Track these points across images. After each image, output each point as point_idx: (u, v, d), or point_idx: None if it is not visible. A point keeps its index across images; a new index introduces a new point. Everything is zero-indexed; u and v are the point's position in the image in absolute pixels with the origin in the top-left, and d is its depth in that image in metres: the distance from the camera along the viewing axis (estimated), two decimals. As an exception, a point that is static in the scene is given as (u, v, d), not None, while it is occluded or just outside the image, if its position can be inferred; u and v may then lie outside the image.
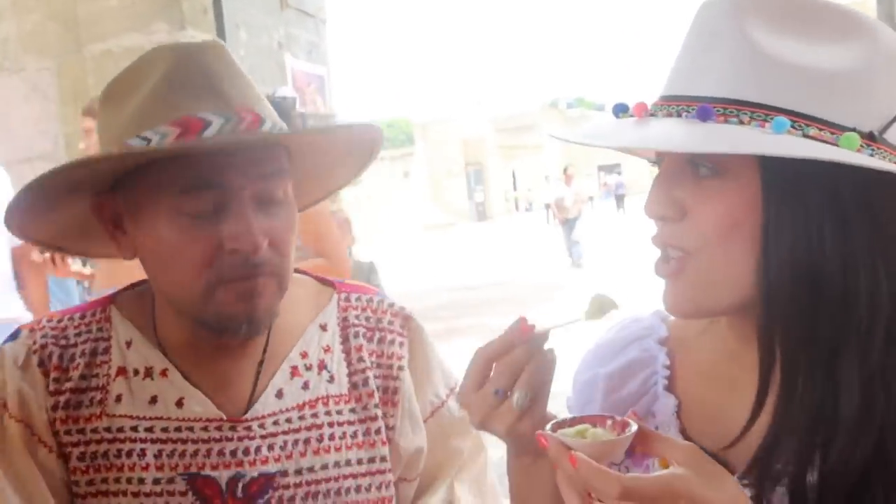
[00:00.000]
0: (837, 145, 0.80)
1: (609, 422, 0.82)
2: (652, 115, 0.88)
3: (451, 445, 1.24)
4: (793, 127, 0.79)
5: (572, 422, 0.83)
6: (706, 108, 0.82)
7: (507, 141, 46.16)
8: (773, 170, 0.81)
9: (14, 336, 1.16)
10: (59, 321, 1.17)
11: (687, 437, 0.94)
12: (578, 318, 0.89)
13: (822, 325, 0.81)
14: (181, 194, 1.02)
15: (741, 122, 0.81)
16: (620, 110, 0.94)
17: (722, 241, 0.84)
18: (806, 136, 0.80)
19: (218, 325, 1.07)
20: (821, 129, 0.80)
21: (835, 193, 0.81)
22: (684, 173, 0.86)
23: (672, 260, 0.88)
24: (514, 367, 0.84)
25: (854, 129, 0.81)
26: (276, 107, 1.16)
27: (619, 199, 38.00)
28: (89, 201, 1.10)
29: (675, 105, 0.86)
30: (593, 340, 1.10)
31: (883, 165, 0.79)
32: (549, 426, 0.82)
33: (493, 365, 0.86)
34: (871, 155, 0.80)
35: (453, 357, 1.27)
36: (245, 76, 1.11)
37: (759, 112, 0.81)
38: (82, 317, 1.17)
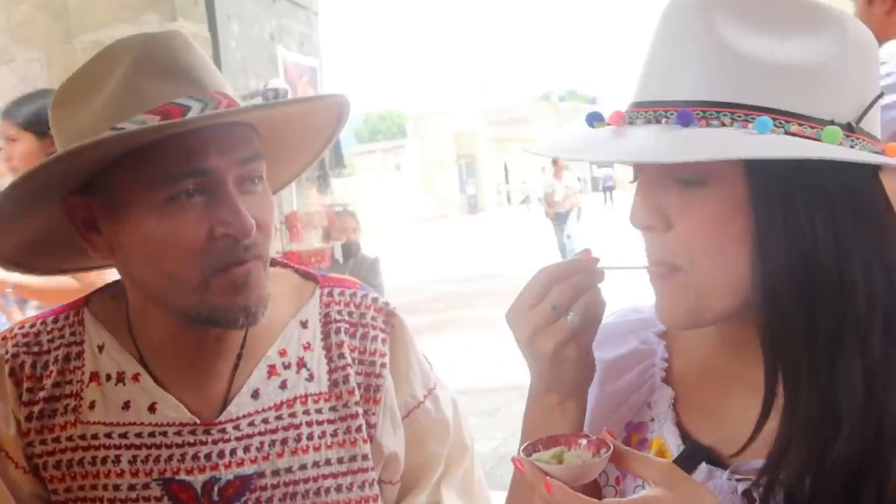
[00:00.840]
0: (820, 140, 0.80)
1: (583, 441, 0.82)
2: (630, 122, 0.87)
3: (430, 449, 1.22)
4: (775, 125, 0.79)
5: (547, 442, 0.83)
6: (686, 113, 0.80)
7: (499, 133, 46.21)
8: (760, 171, 0.80)
9: None
10: (32, 326, 1.16)
11: (683, 429, 0.94)
12: (643, 265, 0.90)
13: (821, 321, 0.80)
14: (167, 184, 1.00)
15: (722, 125, 0.80)
16: (595, 119, 0.92)
17: (712, 252, 0.84)
18: (788, 133, 0.79)
19: (213, 318, 1.06)
20: (801, 125, 0.80)
21: (822, 188, 0.80)
22: (667, 181, 0.85)
23: (662, 269, 0.87)
24: (577, 288, 0.85)
25: (832, 122, 0.81)
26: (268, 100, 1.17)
27: (608, 191, 37.82)
28: (56, 208, 1.07)
29: (652, 111, 0.84)
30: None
31: (869, 158, 0.80)
32: (522, 449, 0.82)
33: (553, 286, 0.86)
34: (852, 146, 0.81)
35: (444, 349, 1.27)
36: (210, 63, 1.10)
37: (739, 112, 0.80)
38: (55, 321, 1.16)
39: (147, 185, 1.01)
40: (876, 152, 0.83)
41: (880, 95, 0.86)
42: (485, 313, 9.27)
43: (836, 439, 0.79)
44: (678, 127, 0.81)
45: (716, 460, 0.90)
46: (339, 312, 1.21)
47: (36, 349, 1.13)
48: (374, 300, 1.24)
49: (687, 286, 0.85)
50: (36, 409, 1.09)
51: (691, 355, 1.00)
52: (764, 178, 0.80)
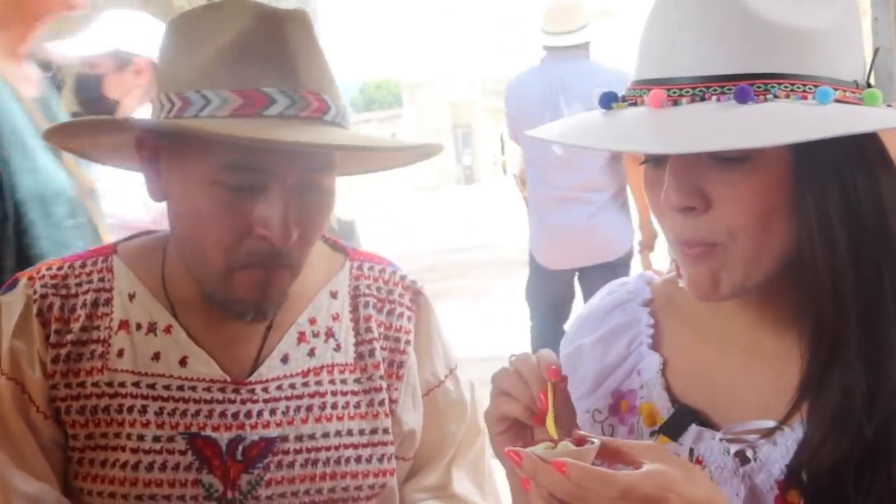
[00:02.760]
0: (862, 103, 0.80)
1: (565, 441, 0.80)
2: (674, 103, 0.80)
3: (446, 428, 1.21)
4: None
5: (529, 444, 0.81)
6: (744, 89, 0.77)
7: (495, 104, 45.97)
8: (806, 143, 0.77)
9: (12, 285, 1.11)
10: (59, 269, 1.11)
11: (672, 394, 0.94)
12: None
13: (867, 277, 0.80)
14: (224, 169, 0.98)
15: (778, 98, 0.77)
16: (612, 101, 0.87)
17: (755, 224, 0.81)
18: (837, 101, 0.78)
19: (225, 304, 1.05)
20: (844, 91, 0.79)
21: (859, 148, 0.80)
22: (703, 161, 0.81)
23: (698, 250, 0.84)
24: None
25: (856, 83, 0.81)
26: None
27: None
28: (132, 134, 1.07)
29: (699, 87, 0.79)
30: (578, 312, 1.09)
31: None
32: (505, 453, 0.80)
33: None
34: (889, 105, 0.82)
35: (440, 319, 1.25)
36: (322, 55, 1.04)
37: (786, 83, 0.77)
38: (83, 265, 1.12)
39: (206, 161, 0.98)
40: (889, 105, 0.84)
41: (877, 50, 0.86)
42: (479, 283, 9.32)
43: (878, 399, 0.79)
44: (733, 104, 0.77)
45: (706, 422, 0.90)
46: (368, 287, 1.20)
47: (63, 291, 1.09)
48: (402, 277, 1.23)
49: (727, 261, 0.83)
50: (63, 351, 1.06)
51: (680, 321, 0.99)
52: (810, 147, 0.77)
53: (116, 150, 1.13)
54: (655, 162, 0.86)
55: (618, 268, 3.90)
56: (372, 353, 1.16)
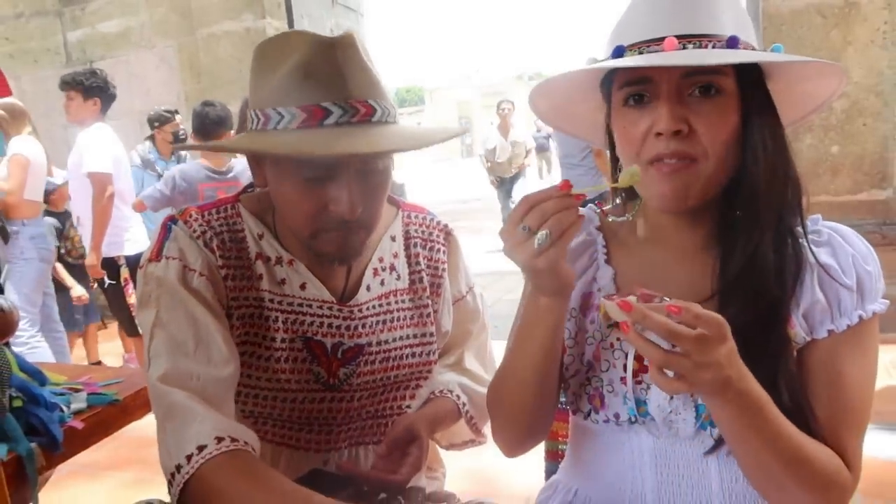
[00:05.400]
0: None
1: (632, 297, 0.70)
2: (683, 47, 0.77)
3: (465, 327, 1.22)
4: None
5: (616, 296, 0.71)
6: (735, 38, 0.78)
7: (488, 102, 45.37)
8: (746, 83, 0.80)
9: (170, 228, 1.01)
10: (202, 215, 1.02)
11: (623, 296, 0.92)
12: (608, 186, 0.84)
13: (776, 198, 0.81)
14: (301, 164, 0.93)
15: (746, 49, 0.79)
16: (622, 52, 0.81)
17: (720, 146, 0.79)
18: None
19: (317, 254, 1.01)
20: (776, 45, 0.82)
21: (766, 93, 0.82)
22: (685, 94, 0.78)
23: (678, 164, 0.79)
24: (543, 212, 0.73)
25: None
26: None
27: (543, 152, 14.82)
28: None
29: (697, 41, 0.78)
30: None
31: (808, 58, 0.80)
32: (603, 298, 0.73)
33: (528, 211, 0.75)
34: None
35: (463, 250, 1.25)
36: (367, 66, 0.94)
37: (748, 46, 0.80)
38: (217, 211, 1.04)
39: (291, 158, 0.93)
40: None
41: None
42: (476, 223, 9.28)
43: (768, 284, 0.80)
44: (723, 48, 0.78)
45: None
46: (415, 230, 1.16)
47: (213, 230, 1.01)
48: (438, 222, 1.20)
49: (699, 175, 0.79)
50: (228, 272, 1.01)
51: (626, 244, 0.95)
52: (749, 86, 0.80)
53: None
54: (637, 103, 0.81)
55: None
56: (420, 279, 1.14)
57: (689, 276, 0.87)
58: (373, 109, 0.93)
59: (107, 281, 3.61)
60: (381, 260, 1.12)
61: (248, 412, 1.05)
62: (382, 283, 1.11)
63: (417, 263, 1.15)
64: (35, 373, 1.31)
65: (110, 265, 3.62)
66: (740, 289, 0.79)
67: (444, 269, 1.17)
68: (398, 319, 1.11)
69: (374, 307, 1.09)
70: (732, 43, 0.77)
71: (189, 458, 0.83)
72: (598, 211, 1.01)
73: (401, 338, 1.10)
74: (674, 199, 0.80)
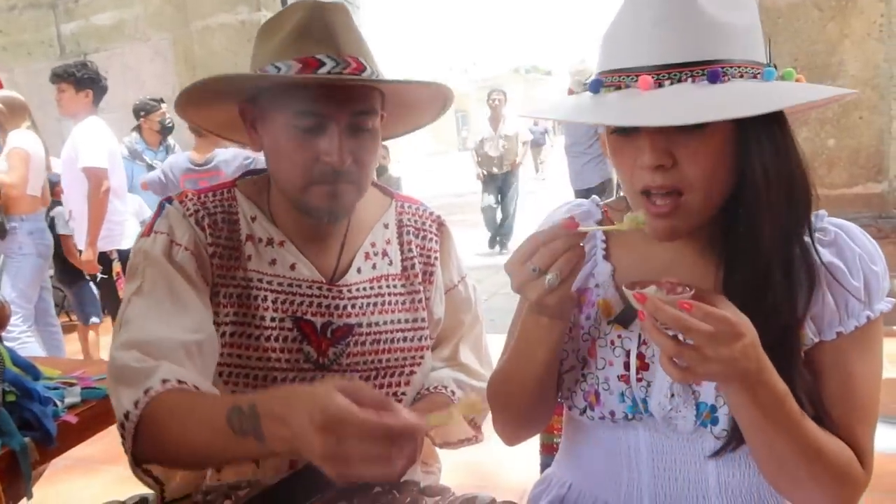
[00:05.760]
0: (783, 78, 0.76)
1: (652, 287, 0.72)
2: (659, 85, 0.72)
3: (457, 317, 1.22)
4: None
5: (639, 284, 0.72)
6: (715, 72, 0.71)
7: (484, 95, 45.28)
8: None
9: (164, 207, 1.05)
10: (198, 197, 1.07)
11: (621, 294, 0.89)
12: (616, 227, 0.80)
13: (778, 216, 0.76)
14: (295, 115, 0.97)
15: (734, 78, 0.71)
16: (600, 86, 0.77)
17: (709, 176, 0.75)
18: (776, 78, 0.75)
19: (308, 211, 1.03)
20: (776, 70, 0.76)
21: (776, 115, 0.76)
22: (672, 128, 0.74)
23: (665, 199, 0.77)
24: (553, 252, 0.74)
25: (769, 63, 0.76)
26: None
27: (538, 149, 14.97)
28: (237, 107, 1.06)
29: (674, 72, 0.72)
30: (550, 220, 1.02)
31: (832, 92, 0.75)
32: (625, 286, 0.72)
33: (539, 248, 0.75)
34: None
35: (455, 241, 1.25)
36: (358, 32, 1.02)
37: (735, 67, 0.72)
38: (214, 195, 1.08)
39: (283, 112, 0.98)
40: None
41: (769, 39, 0.81)
42: (472, 217, 9.25)
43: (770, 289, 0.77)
44: (705, 84, 0.71)
45: None
46: (409, 220, 1.18)
47: (206, 210, 1.05)
48: (431, 213, 1.22)
49: (688, 209, 0.77)
50: (217, 250, 1.04)
51: (625, 241, 0.94)
52: (747, 118, 0.73)
53: (231, 125, 1.11)
54: (623, 133, 0.78)
55: None
56: (413, 266, 1.15)
57: (689, 276, 0.85)
58: (363, 66, 0.98)
59: (99, 276, 3.60)
60: (373, 245, 1.14)
61: (239, 393, 1.05)
62: (374, 266, 1.12)
63: (410, 251, 1.16)
64: (28, 367, 1.30)
65: (103, 260, 3.61)
66: (747, 299, 0.76)
67: (436, 258, 1.18)
68: (390, 303, 1.12)
69: (364, 289, 1.10)
70: (713, 77, 0.71)
71: (136, 402, 0.83)
72: (600, 204, 1.00)
73: (392, 321, 1.11)
74: (665, 234, 0.80)
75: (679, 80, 0.72)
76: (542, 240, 0.75)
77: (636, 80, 0.73)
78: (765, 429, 0.73)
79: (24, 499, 1.14)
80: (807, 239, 0.80)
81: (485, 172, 7.24)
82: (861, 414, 0.80)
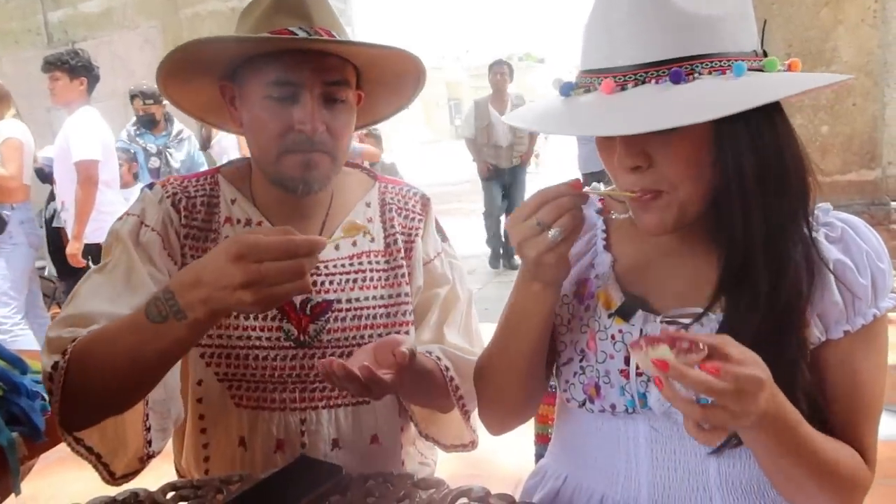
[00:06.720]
0: (763, 69, 0.72)
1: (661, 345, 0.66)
2: (622, 88, 0.70)
3: (432, 291, 1.19)
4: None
5: (644, 339, 0.66)
6: (677, 72, 0.68)
7: (477, 84, 45.13)
8: None
9: (149, 188, 1.10)
10: (181, 182, 1.11)
11: (622, 285, 0.88)
12: (622, 193, 0.78)
13: (769, 207, 0.73)
14: (270, 85, 1.00)
15: (705, 75, 0.68)
16: (571, 89, 0.76)
17: (689, 175, 0.73)
18: (750, 69, 0.70)
19: (282, 182, 1.04)
20: (750, 61, 0.71)
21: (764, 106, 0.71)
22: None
23: (648, 196, 0.76)
24: (560, 208, 0.73)
25: (755, 52, 0.73)
26: None
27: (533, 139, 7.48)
28: (217, 85, 1.08)
29: (639, 73, 0.70)
30: None
31: (821, 81, 0.72)
32: (631, 345, 0.68)
33: (544, 203, 0.74)
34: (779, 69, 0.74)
35: (437, 219, 1.24)
36: (331, 8, 1.06)
37: (706, 62, 0.69)
38: (197, 180, 1.13)
39: (259, 83, 1.01)
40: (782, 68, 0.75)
41: (765, 22, 0.77)
42: (467, 205, 9.26)
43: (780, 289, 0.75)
44: (669, 84, 0.68)
45: (648, 309, 0.85)
46: (392, 199, 1.20)
47: (186, 194, 1.09)
48: (416, 193, 1.23)
49: (671, 204, 0.75)
50: (192, 231, 1.07)
51: (623, 232, 0.93)
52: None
53: (212, 106, 1.13)
54: None
55: None
56: (395, 242, 1.16)
57: (692, 268, 0.84)
58: (334, 38, 1.02)
59: (91, 267, 3.57)
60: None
61: (221, 374, 1.07)
62: (354, 243, 1.13)
63: (392, 227, 1.17)
64: (16, 361, 1.28)
65: (95, 251, 3.58)
66: (748, 293, 0.75)
67: (417, 235, 1.19)
68: (371, 280, 1.12)
69: (343, 266, 1.11)
70: (676, 78, 0.68)
71: (64, 352, 0.85)
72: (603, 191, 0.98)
73: (373, 297, 1.12)
74: (654, 228, 0.78)
75: (643, 82, 0.70)
76: (549, 195, 0.75)
77: (601, 83, 0.72)
78: (781, 455, 0.73)
79: (13, 494, 1.13)
80: (814, 234, 0.78)
81: (491, 167, 5.78)
82: (866, 411, 0.80)
